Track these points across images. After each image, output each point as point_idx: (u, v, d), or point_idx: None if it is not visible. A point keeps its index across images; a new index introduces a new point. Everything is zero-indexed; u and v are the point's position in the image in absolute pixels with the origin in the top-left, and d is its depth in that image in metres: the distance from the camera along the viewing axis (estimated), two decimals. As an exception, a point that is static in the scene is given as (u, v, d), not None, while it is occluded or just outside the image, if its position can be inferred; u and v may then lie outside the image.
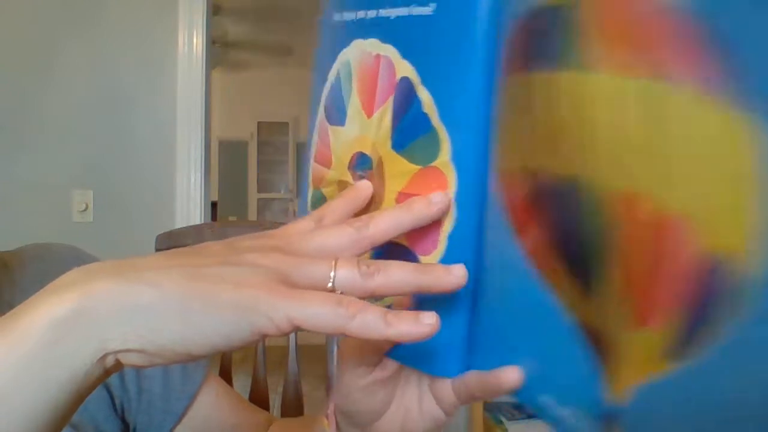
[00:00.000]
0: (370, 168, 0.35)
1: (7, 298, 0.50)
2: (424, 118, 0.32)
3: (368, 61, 0.34)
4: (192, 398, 0.54)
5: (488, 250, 0.31)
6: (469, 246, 0.31)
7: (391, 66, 0.33)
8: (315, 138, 0.39)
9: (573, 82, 0.26)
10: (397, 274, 0.28)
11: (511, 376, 0.31)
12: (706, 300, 0.23)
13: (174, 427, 0.54)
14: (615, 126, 0.24)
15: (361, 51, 0.35)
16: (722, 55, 0.21)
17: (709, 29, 0.22)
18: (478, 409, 1.63)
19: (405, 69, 0.32)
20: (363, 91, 0.35)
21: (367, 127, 0.35)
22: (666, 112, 0.23)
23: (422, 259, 0.33)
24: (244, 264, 0.27)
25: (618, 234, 0.25)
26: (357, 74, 0.35)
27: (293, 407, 0.81)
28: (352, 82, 0.35)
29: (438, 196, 0.31)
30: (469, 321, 0.32)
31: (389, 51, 0.33)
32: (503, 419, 1.63)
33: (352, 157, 0.36)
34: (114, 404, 0.53)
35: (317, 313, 0.25)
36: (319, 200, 0.38)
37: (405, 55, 0.32)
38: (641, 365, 0.26)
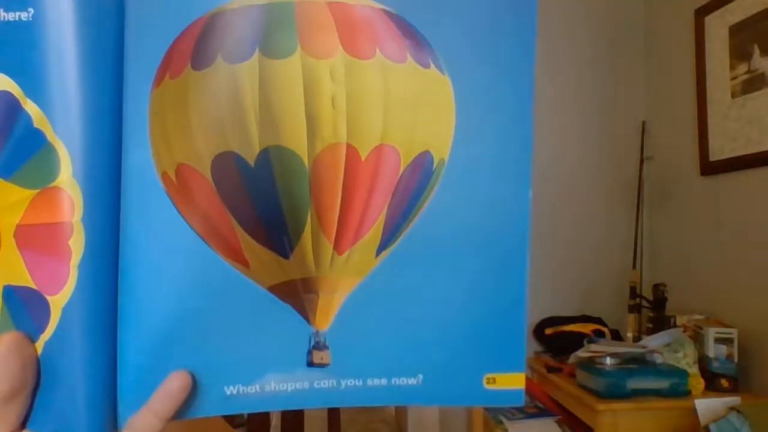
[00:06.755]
0: None
1: None
2: (37, 134, 0.30)
3: None
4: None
5: (150, 257, 0.31)
6: (107, 269, 0.30)
7: None
8: None
9: (271, 68, 0.30)
10: None
11: (178, 383, 0.31)
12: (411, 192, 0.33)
13: None
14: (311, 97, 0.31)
15: None
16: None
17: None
18: (478, 408, 1.65)
19: (2, 82, 0.30)
20: None
21: None
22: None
23: (51, 299, 0.30)
24: None
25: (320, 184, 0.32)
26: None
27: (294, 424, 0.85)
28: None
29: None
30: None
31: None
32: (503, 419, 1.65)
33: None
34: None
35: None
36: None
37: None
38: (348, 280, 0.33)
